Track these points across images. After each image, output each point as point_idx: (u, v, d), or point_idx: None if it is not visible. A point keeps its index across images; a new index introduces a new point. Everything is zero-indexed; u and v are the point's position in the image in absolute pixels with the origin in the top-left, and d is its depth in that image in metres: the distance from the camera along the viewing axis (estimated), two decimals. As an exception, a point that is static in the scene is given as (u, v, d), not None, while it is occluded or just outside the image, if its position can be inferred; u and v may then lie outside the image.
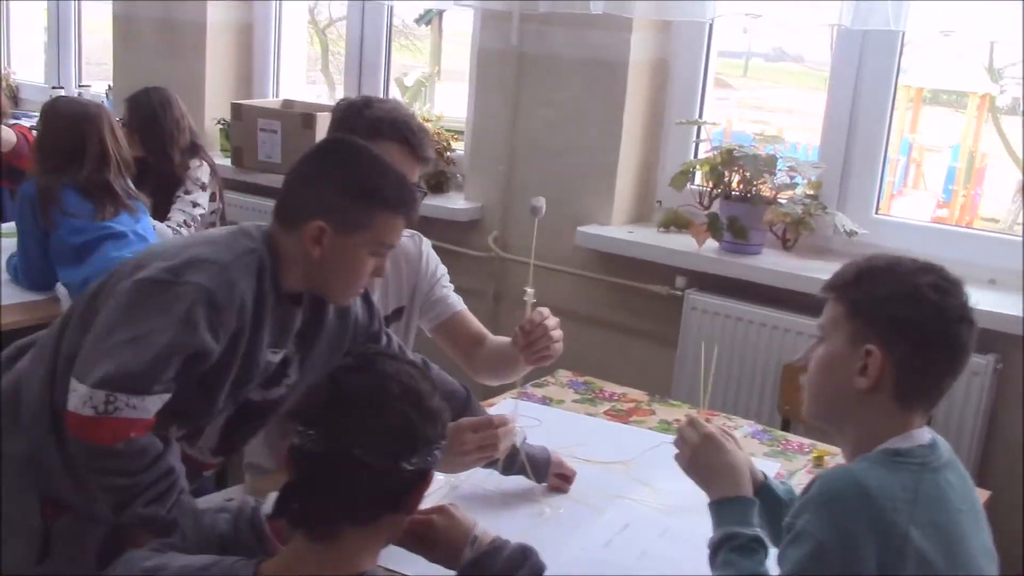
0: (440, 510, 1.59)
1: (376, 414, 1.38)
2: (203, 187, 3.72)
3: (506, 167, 3.66)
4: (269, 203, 4.04)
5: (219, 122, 4.48)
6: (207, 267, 1.70)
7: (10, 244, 3.55)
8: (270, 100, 4.47)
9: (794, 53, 6.54)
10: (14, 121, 4.25)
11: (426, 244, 2.43)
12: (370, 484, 1.36)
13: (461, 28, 4.74)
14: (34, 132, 3.83)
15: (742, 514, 1.56)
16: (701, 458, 1.63)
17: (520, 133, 3.63)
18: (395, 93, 4.79)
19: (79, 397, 1.62)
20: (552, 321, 2.12)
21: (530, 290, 2.13)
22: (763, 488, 1.66)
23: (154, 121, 3.67)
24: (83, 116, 3.18)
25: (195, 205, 3.66)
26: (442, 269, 2.43)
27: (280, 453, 2.06)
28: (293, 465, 1.39)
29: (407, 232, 2.31)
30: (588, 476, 2.16)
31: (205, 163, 3.77)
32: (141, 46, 4.71)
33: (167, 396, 1.66)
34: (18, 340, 1.96)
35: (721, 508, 1.58)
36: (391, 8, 4.31)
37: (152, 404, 1.64)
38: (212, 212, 3.77)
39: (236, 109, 4.23)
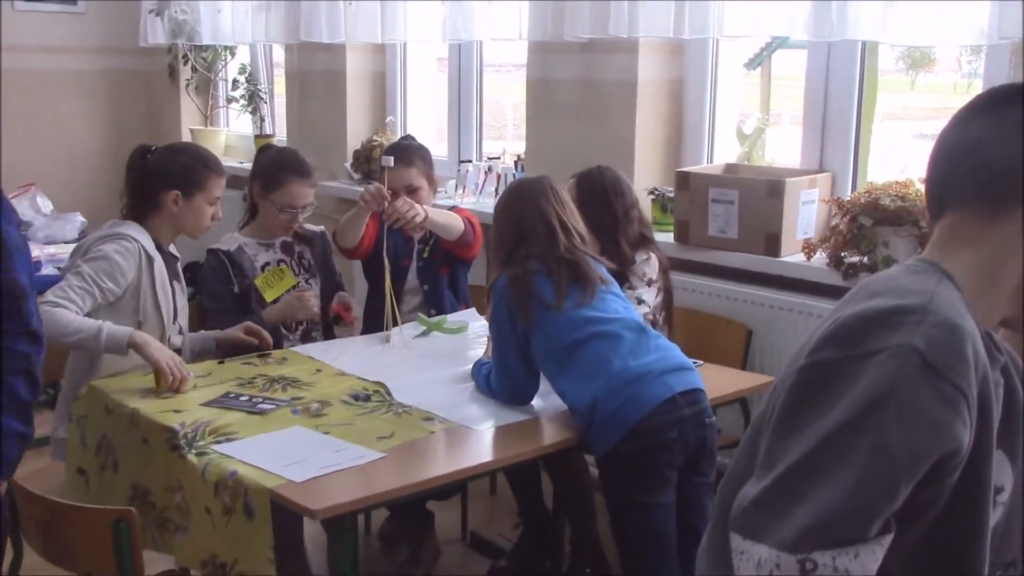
0: None
1: None
2: (649, 283, 3.19)
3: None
4: (723, 285, 3.61)
5: (652, 192, 3.96)
6: (902, 319, 1.14)
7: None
8: (714, 166, 3.90)
9: None
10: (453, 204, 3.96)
11: None
12: None
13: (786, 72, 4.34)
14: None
15: None
16: None
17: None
18: (733, 143, 4.14)
19: (757, 563, 1.09)
20: None
21: None
22: None
23: (605, 205, 3.19)
24: (523, 192, 2.79)
25: (640, 303, 3.11)
26: None
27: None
28: None
29: None
30: None
31: (654, 256, 3.24)
32: (555, 110, 4.31)
33: (890, 536, 1.11)
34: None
35: None
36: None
37: (871, 555, 1.09)
38: (654, 310, 3.21)
39: (682, 178, 3.69)
